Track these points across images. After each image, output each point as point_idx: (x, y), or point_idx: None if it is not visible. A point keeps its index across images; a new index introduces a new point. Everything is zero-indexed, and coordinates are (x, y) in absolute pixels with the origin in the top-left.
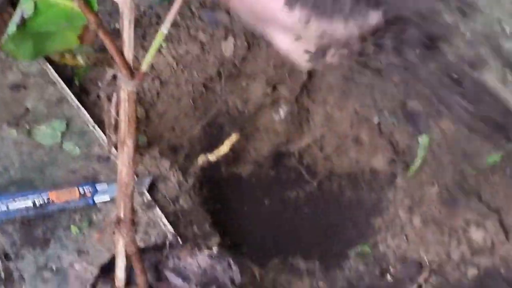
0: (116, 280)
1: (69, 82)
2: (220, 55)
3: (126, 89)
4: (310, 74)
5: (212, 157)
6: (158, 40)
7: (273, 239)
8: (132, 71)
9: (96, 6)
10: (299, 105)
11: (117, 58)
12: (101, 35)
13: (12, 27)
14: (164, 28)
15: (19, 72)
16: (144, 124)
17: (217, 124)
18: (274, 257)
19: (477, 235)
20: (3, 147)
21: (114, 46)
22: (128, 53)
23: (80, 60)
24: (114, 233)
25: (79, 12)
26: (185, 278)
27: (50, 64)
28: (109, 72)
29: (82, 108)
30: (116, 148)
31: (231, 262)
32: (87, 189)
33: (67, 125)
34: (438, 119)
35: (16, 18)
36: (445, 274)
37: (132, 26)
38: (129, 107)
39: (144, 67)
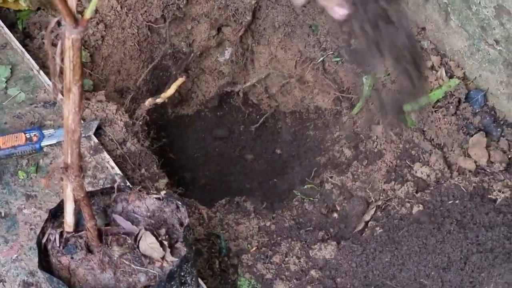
0: (65, 225)
1: (12, 27)
2: None
3: (70, 37)
4: (254, 15)
5: (159, 99)
6: None
7: (220, 180)
8: (76, 19)
9: None
10: (243, 46)
11: (60, 6)
12: None
13: None
14: None
15: None
16: (89, 67)
17: (163, 67)
18: (221, 198)
19: (421, 171)
20: None
21: None
22: (72, 0)
23: (23, 3)
24: (61, 179)
25: None
26: (133, 221)
27: None
28: (53, 20)
29: (27, 54)
30: (62, 94)
31: (179, 204)
32: (34, 134)
33: (12, 70)
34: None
35: None
36: (390, 210)
37: None
38: (74, 55)
39: (88, 14)
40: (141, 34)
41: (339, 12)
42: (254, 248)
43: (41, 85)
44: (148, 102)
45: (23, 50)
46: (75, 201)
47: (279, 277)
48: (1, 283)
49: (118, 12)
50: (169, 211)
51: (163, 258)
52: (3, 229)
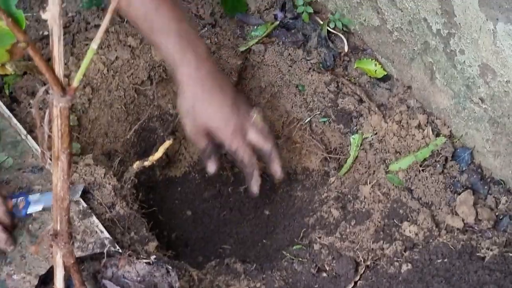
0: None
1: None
2: (150, 59)
3: (58, 105)
4: (240, 75)
5: (147, 162)
6: (89, 56)
7: (210, 242)
8: (63, 87)
9: (24, 25)
10: None
11: (47, 75)
12: (31, 53)
13: None
14: (94, 44)
15: None
16: (77, 131)
17: (150, 129)
18: (211, 260)
19: (409, 230)
20: None
21: (45, 64)
22: (59, 69)
23: (9, 68)
24: (51, 245)
25: (8, 31)
26: (124, 287)
27: None
28: (41, 89)
29: (14, 118)
30: (51, 160)
31: (169, 268)
32: (20, 200)
33: None
34: (367, 117)
35: None
36: (379, 270)
37: (62, 42)
38: (61, 123)
39: (76, 83)
40: (127, 97)
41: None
42: None
43: (28, 150)
44: (136, 165)
45: (10, 115)
46: (65, 267)
47: None
48: None
49: (104, 75)
50: (160, 276)
51: None
52: None
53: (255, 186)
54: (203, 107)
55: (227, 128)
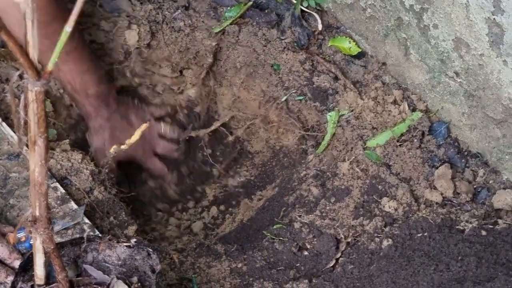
0: (35, 278)
1: None
2: (125, 42)
3: (33, 89)
4: (215, 56)
5: (124, 146)
6: (63, 39)
7: (187, 223)
8: (38, 72)
9: None
10: (206, 88)
11: (22, 60)
12: (4, 37)
13: None
14: (68, 27)
15: None
16: (52, 117)
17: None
18: (190, 241)
19: (389, 206)
20: None
21: (19, 48)
22: (33, 53)
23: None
24: (30, 231)
25: None
26: (105, 271)
27: None
28: (15, 74)
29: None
30: (27, 146)
31: (150, 251)
32: (22, 235)
33: None
34: (343, 94)
35: None
36: (360, 246)
37: (35, 26)
38: (37, 107)
39: (50, 66)
40: None
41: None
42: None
43: (4, 137)
44: (114, 149)
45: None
46: (45, 253)
47: None
48: None
49: None
50: (140, 259)
51: None
52: None
53: (171, 186)
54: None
55: (138, 155)
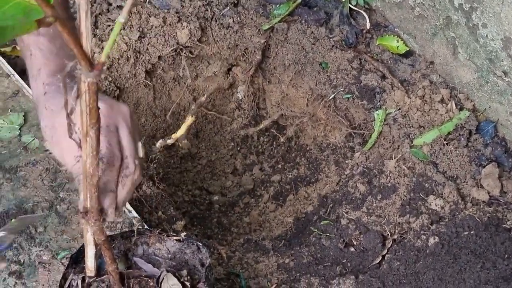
0: (86, 270)
1: (23, 74)
2: (175, 39)
3: (86, 80)
4: (264, 54)
5: (170, 140)
6: (116, 30)
7: (235, 215)
8: (91, 63)
9: (52, 0)
10: (255, 86)
11: (76, 51)
12: (59, 27)
13: None
14: (122, 18)
15: None
16: None
17: (179, 108)
18: (233, 232)
19: (435, 204)
20: None
21: (73, 38)
22: (87, 45)
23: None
24: (80, 223)
25: (36, 6)
26: (155, 264)
27: (3, 57)
28: (68, 64)
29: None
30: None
31: (200, 245)
32: None
33: (24, 117)
34: (390, 93)
35: None
36: (406, 243)
37: (89, 17)
38: (90, 98)
39: (104, 57)
40: (154, 78)
41: None
42: (274, 286)
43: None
44: (160, 143)
45: (27, 89)
46: (96, 245)
47: None
48: None
49: (128, 56)
50: (190, 253)
51: None
52: (23, 276)
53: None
54: (59, 151)
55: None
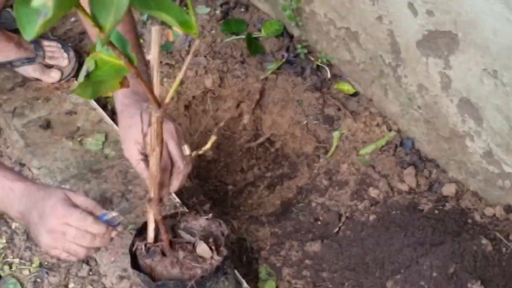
0: (148, 238)
1: (104, 108)
2: (203, 85)
3: (155, 115)
4: (261, 94)
5: (200, 151)
6: (176, 83)
7: (243, 201)
8: (159, 103)
9: (135, 61)
10: (255, 116)
11: (149, 96)
12: (140, 82)
13: (80, 78)
14: (181, 74)
15: (71, 103)
16: None
17: (206, 130)
18: (243, 213)
19: (374, 193)
20: (64, 153)
21: (148, 88)
22: (157, 92)
23: (110, 94)
24: (145, 207)
25: (124, 66)
26: (192, 234)
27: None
28: (144, 104)
29: (115, 125)
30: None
31: (221, 222)
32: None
33: (106, 137)
34: (344, 120)
35: (83, 72)
36: (355, 219)
37: (159, 74)
38: (157, 127)
39: (168, 100)
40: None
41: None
42: (268, 247)
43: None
44: (194, 153)
45: (112, 123)
46: (155, 222)
47: (285, 265)
48: (104, 277)
49: (174, 97)
50: (214, 226)
51: (211, 257)
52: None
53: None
54: (128, 156)
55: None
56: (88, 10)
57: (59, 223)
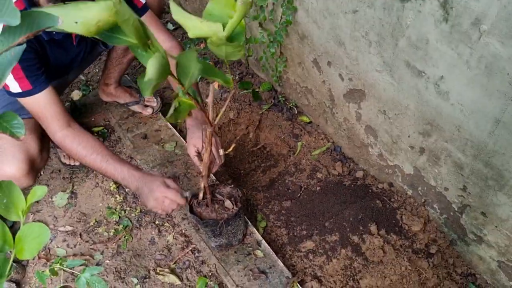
0: (199, 197)
1: (176, 128)
2: (229, 116)
3: (208, 130)
4: (260, 120)
5: (226, 152)
6: (222, 111)
7: (249, 179)
8: (211, 124)
9: (200, 100)
10: (256, 133)
11: (206, 120)
12: (202, 112)
13: (171, 111)
14: (224, 107)
15: (158, 125)
16: None
17: (229, 140)
18: (248, 185)
19: (319, 175)
20: (153, 152)
21: (206, 115)
22: (211, 117)
23: (182, 119)
24: (199, 179)
25: (193, 104)
26: (222, 195)
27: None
28: (204, 126)
29: (181, 138)
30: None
31: (238, 189)
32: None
33: (176, 143)
34: (303, 136)
35: (172, 107)
36: (310, 189)
37: (212, 107)
38: (209, 138)
39: (216, 121)
40: (220, 130)
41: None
42: (262, 203)
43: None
44: (223, 153)
45: (179, 136)
46: (204, 188)
47: (271, 213)
48: (174, 218)
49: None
50: (235, 191)
51: (232, 208)
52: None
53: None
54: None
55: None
56: (175, 74)
57: (161, 196)
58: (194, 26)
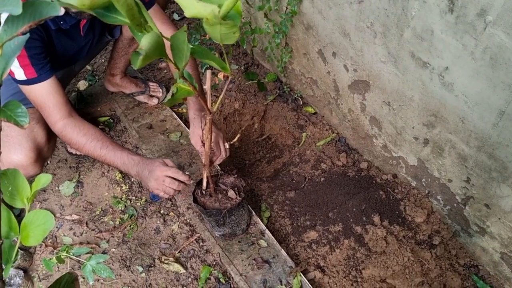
0: (202, 186)
1: (181, 118)
2: (234, 107)
3: (207, 117)
4: (265, 111)
5: (231, 142)
6: (220, 98)
7: (253, 169)
8: (210, 111)
9: (197, 87)
10: (261, 124)
11: (205, 107)
12: (199, 99)
13: (169, 96)
14: (222, 94)
15: (163, 115)
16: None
17: (235, 131)
18: (253, 176)
19: (324, 166)
20: (158, 141)
21: (205, 102)
22: (209, 105)
23: (184, 109)
24: (201, 169)
25: (191, 90)
26: (226, 185)
27: (172, 111)
28: (202, 112)
29: (186, 128)
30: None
31: (241, 179)
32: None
33: (181, 133)
34: (308, 127)
35: (170, 93)
36: (314, 179)
37: (210, 95)
38: (209, 126)
39: (215, 109)
40: (226, 120)
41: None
42: (266, 193)
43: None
44: (228, 144)
45: (185, 126)
46: (206, 177)
47: (275, 203)
48: (179, 207)
49: (219, 108)
50: (238, 181)
51: (236, 198)
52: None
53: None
54: (193, 142)
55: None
56: (171, 57)
57: (162, 174)
58: (190, 5)
